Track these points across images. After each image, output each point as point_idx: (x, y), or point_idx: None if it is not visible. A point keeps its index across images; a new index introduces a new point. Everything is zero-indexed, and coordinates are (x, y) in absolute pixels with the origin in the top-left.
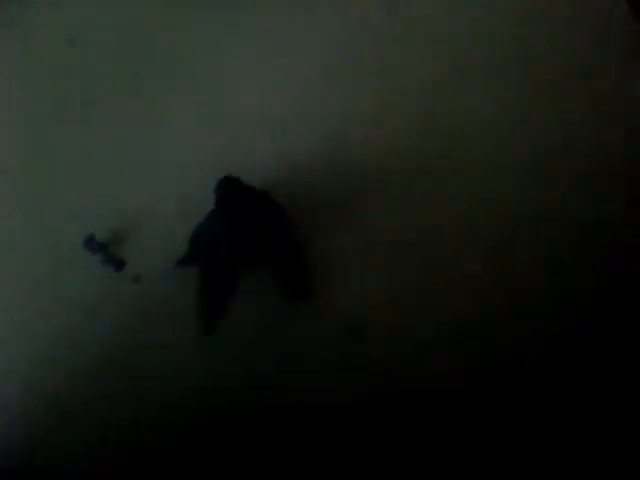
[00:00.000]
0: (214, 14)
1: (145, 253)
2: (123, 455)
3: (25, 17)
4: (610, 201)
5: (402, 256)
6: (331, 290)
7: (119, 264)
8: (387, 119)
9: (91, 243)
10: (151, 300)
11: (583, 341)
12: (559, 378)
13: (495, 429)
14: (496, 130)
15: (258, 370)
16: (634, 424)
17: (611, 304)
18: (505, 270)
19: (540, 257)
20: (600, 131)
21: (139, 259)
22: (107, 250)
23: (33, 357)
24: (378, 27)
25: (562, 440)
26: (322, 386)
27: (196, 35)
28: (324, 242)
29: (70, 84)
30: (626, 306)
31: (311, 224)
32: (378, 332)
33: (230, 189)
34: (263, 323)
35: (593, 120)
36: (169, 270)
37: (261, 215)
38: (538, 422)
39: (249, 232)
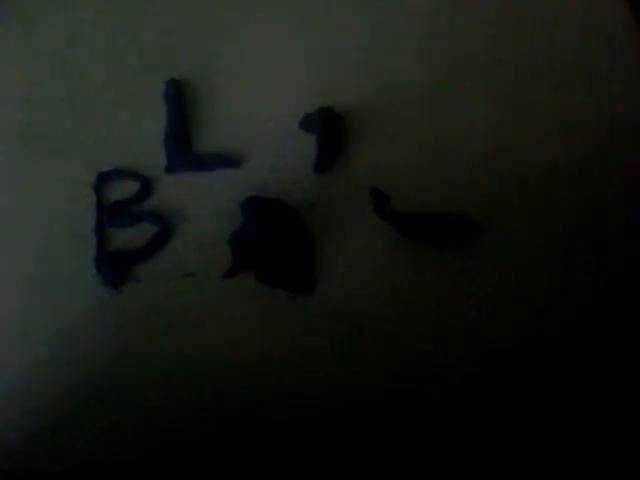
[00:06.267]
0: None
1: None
2: (123, 455)
3: (25, 16)
4: (609, 199)
5: (402, 252)
6: (331, 285)
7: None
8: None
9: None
10: (153, 300)
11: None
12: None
13: (499, 429)
14: (495, 131)
15: (258, 368)
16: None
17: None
18: (507, 269)
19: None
20: (600, 131)
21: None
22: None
23: (33, 356)
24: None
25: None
26: (322, 383)
27: None
28: (324, 237)
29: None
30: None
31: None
32: (379, 328)
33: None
34: (262, 321)
35: (594, 120)
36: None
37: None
38: (547, 424)
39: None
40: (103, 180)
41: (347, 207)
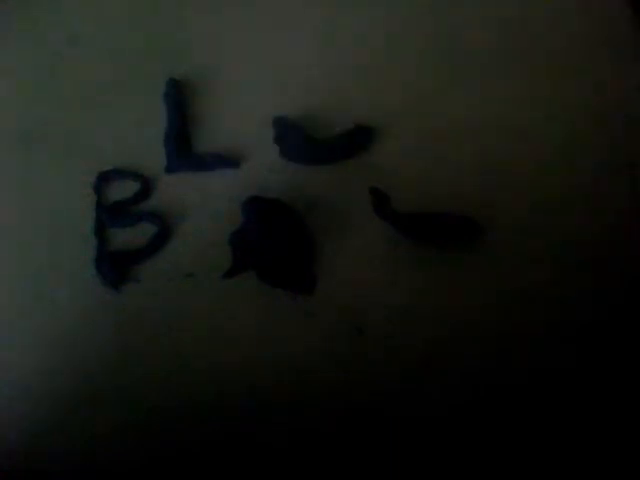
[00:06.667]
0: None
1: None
2: (123, 455)
3: (25, 16)
4: (609, 199)
5: (402, 252)
6: (331, 285)
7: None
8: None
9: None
10: (153, 300)
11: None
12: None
13: (499, 430)
14: (496, 131)
15: (257, 369)
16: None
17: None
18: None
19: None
20: (600, 131)
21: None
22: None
23: (33, 356)
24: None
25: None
26: (322, 383)
27: None
28: (322, 237)
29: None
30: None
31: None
32: (378, 328)
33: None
34: (262, 321)
35: (594, 121)
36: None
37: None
38: (547, 424)
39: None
40: (103, 180)
41: (347, 207)
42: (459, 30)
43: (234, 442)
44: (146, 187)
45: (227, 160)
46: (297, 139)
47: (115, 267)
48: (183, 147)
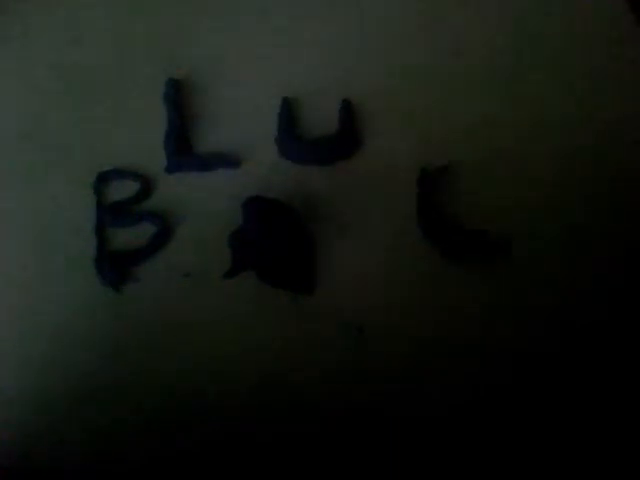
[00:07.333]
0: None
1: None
2: (123, 455)
3: (25, 16)
4: (609, 199)
5: (403, 252)
6: (331, 285)
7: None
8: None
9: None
10: (153, 300)
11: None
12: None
13: (499, 430)
14: (496, 131)
15: (257, 368)
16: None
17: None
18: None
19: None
20: (600, 131)
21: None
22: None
23: (33, 356)
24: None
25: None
26: (322, 383)
27: None
28: (322, 237)
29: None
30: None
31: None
32: (378, 330)
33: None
34: (262, 321)
35: (593, 119)
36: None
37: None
38: (543, 425)
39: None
40: (103, 180)
41: (347, 207)
42: (460, 29)
43: (234, 442)
44: (146, 187)
45: (227, 160)
46: (296, 139)
47: (115, 267)
48: (183, 147)
